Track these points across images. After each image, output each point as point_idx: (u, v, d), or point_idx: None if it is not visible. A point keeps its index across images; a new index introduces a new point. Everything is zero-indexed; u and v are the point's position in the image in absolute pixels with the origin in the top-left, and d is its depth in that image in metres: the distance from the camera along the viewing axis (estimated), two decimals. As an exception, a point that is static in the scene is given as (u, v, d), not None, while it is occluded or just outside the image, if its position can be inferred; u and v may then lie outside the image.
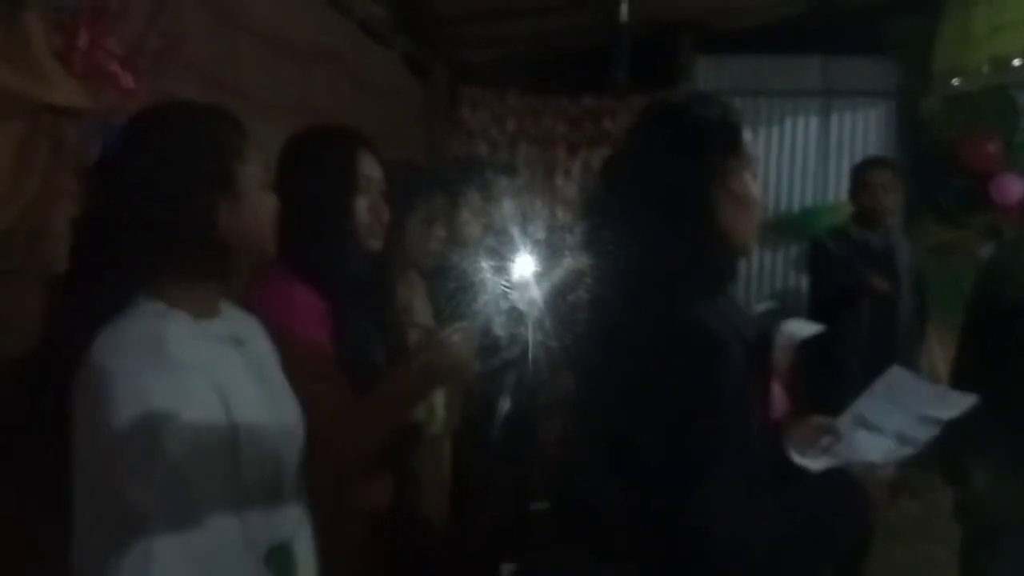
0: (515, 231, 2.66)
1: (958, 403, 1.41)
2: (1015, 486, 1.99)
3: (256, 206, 1.12)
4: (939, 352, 4.50)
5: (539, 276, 2.25)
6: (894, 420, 1.38)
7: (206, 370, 1.02)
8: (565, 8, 3.78)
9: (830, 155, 4.86)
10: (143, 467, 0.94)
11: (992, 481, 2.11)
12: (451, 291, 2.21)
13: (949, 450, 2.13)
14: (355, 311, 1.47)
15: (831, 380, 2.98)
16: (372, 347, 1.50)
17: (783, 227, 4.86)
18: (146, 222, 1.03)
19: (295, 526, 1.12)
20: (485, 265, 2.41)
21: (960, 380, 2.39)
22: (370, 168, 1.53)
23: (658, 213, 1.19)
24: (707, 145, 1.21)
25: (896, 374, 1.51)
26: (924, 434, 1.35)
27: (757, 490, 1.14)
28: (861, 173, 3.37)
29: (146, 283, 1.04)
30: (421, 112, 4.43)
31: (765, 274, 4.97)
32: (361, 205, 1.51)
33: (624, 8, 2.85)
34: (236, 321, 1.14)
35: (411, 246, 1.91)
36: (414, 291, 1.96)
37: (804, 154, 4.90)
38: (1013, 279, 2.11)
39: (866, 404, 1.44)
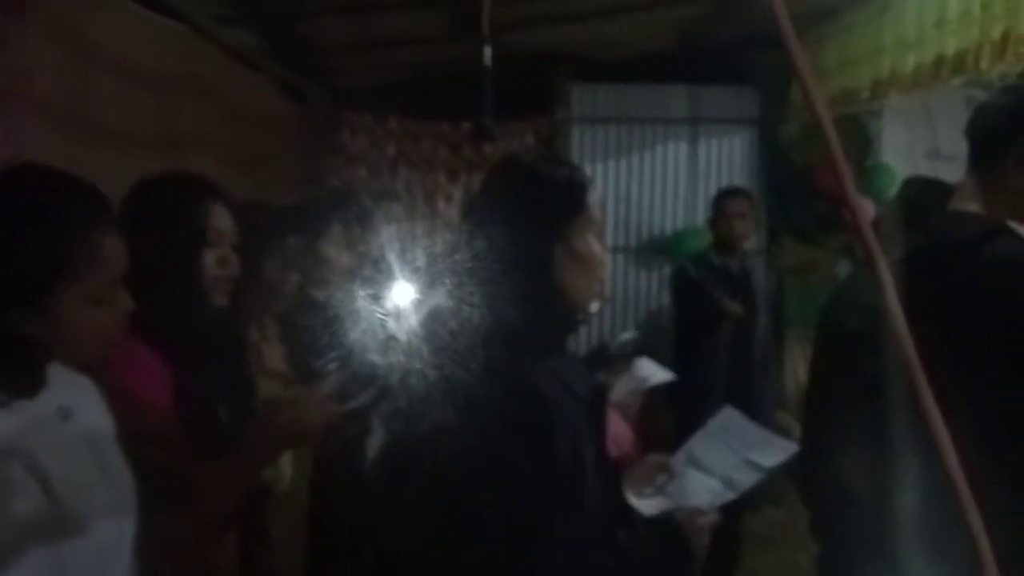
0: (392, 259, 2.66)
1: (780, 450, 1.50)
2: (857, 507, 2.11)
3: (79, 325, 1.04)
4: (800, 362, 4.84)
5: (418, 304, 2.25)
6: (722, 462, 1.46)
7: (20, 456, 0.96)
8: (440, 41, 3.82)
9: (699, 179, 5.09)
10: None
11: (838, 502, 2.24)
12: (315, 327, 2.18)
13: (802, 473, 2.27)
14: (201, 370, 1.41)
15: (695, 397, 3.16)
16: (219, 407, 1.45)
17: (656, 249, 5.08)
18: None
19: None
20: (359, 295, 2.39)
21: (811, 405, 2.54)
22: (221, 220, 1.48)
23: (502, 269, 1.20)
24: (552, 205, 1.23)
25: (728, 415, 1.58)
26: (747, 479, 1.43)
27: (596, 537, 1.17)
28: (718, 202, 3.59)
29: None
30: (300, 138, 4.38)
31: (641, 294, 5.16)
32: (210, 260, 1.45)
33: (488, 53, 2.91)
34: (65, 389, 1.08)
35: (265, 291, 1.88)
36: (266, 336, 1.92)
37: (674, 179, 5.11)
38: (855, 310, 2.23)
39: (699, 443, 1.51)
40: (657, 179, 5.12)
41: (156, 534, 1.15)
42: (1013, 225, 1.72)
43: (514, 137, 4.84)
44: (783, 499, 4.02)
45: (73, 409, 1.07)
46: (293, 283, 1.96)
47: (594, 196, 1.29)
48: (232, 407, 1.49)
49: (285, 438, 1.37)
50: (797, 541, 3.72)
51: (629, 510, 1.33)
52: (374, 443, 2.05)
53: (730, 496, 1.41)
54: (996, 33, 3.07)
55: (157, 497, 1.15)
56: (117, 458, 1.12)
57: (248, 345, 1.78)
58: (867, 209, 4.77)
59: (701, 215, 4.97)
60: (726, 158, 5.11)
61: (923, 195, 2.20)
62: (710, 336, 3.44)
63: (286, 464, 1.76)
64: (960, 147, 2.00)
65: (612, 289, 5.09)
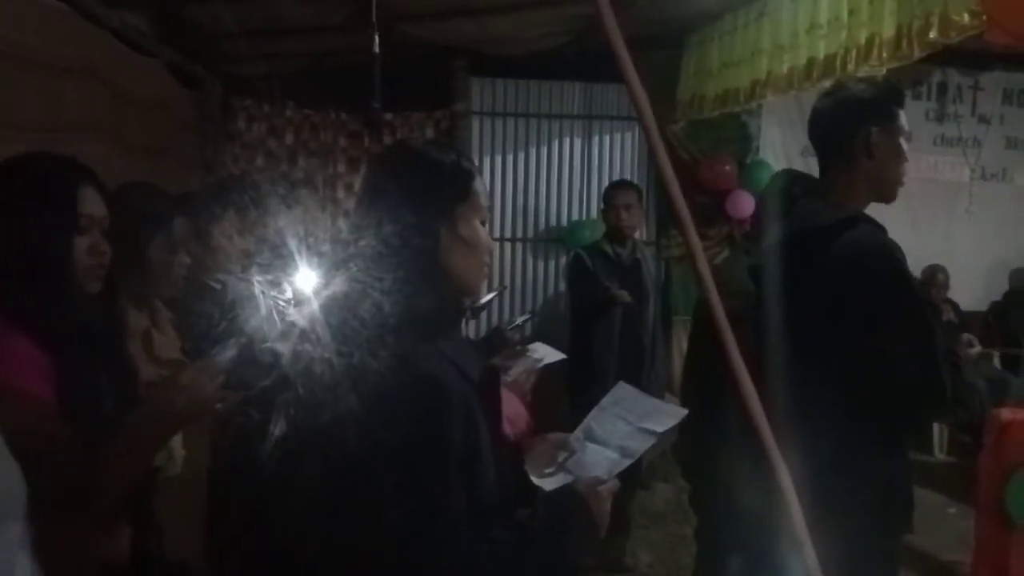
0: (292, 246, 2.64)
1: (670, 416, 1.56)
2: (721, 480, 2.27)
3: None
4: (685, 345, 5.08)
5: (317, 290, 2.26)
6: (618, 433, 1.50)
7: None
8: (336, 29, 3.82)
9: (592, 173, 5.30)
10: None
11: (708, 476, 2.41)
12: (210, 313, 2.15)
13: (683, 451, 2.40)
14: (79, 359, 1.36)
15: (589, 379, 3.31)
16: (101, 395, 1.40)
17: (552, 239, 5.26)
18: None
19: None
20: (256, 281, 2.37)
21: (688, 386, 2.70)
22: (92, 205, 1.40)
23: (389, 253, 1.19)
24: (439, 188, 1.23)
25: (621, 389, 1.64)
26: (640, 445, 1.47)
27: (498, 516, 1.18)
28: (608, 194, 3.74)
29: None
30: (194, 124, 4.28)
31: (539, 282, 5.32)
32: (80, 247, 1.37)
33: (376, 40, 2.98)
34: None
35: (151, 275, 1.82)
36: (154, 322, 1.87)
37: (569, 172, 5.29)
38: (726, 295, 2.40)
39: (595, 418, 1.56)
40: (553, 172, 5.29)
41: (49, 533, 1.04)
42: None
43: (414, 128, 4.89)
44: (672, 476, 4.24)
45: None
46: (182, 266, 1.89)
47: (480, 184, 1.30)
48: (113, 395, 1.44)
49: (173, 417, 1.34)
50: (683, 515, 3.93)
51: (529, 488, 1.35)
52: (272, 431, 2.05)
53: (627, 462, 1.44)
54: (862, 38, 3.32)
55: (48, 495, 1.05)
56: (4, 458, 1.06)
57: (134, 332, 1.71)
58: (747, 203, 5.02)
59: (594, 207, 5.16)
60: (617, 153, 5.33)
61: (792, 187, 2.40)
62: (603, 322, 3.59)
63: (178, 446, 1.73)
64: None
65: (511, 277, 5.22)
